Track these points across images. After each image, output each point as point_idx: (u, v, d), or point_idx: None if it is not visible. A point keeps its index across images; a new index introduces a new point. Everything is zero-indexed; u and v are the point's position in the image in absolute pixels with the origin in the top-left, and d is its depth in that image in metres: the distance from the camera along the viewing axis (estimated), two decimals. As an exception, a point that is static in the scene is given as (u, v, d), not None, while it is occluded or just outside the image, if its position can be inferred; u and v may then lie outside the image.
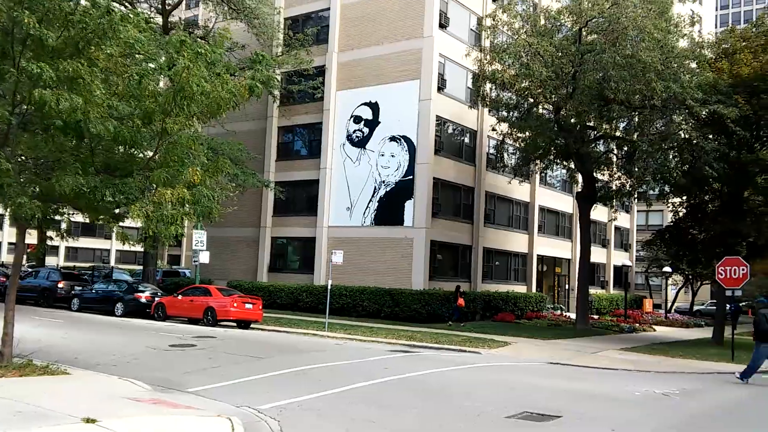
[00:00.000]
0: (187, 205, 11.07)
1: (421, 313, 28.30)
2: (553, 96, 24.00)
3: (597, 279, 47.05)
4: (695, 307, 50.02)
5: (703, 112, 22.20)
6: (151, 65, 12.15)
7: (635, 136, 25.06)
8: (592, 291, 44.72)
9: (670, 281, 54.44)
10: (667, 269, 41.46)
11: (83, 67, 10.22)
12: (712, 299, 55.57)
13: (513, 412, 10.70)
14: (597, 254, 41.90)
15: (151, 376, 12.66)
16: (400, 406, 10.98)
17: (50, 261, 67.09)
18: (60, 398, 9.76)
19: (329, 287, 25.27)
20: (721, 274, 20.81)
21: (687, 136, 22.65)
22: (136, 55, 12.10)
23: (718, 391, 14.88)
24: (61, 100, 9.84)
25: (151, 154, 11.86)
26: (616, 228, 49.30)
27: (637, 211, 53.86)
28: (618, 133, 27.62)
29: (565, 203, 43.13)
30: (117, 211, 12.29)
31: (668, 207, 27.99)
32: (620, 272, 50.88)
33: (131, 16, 11.43)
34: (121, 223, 13.33)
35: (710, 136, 23.34)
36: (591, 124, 26.97)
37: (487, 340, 22.41)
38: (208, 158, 13.17)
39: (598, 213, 38.75)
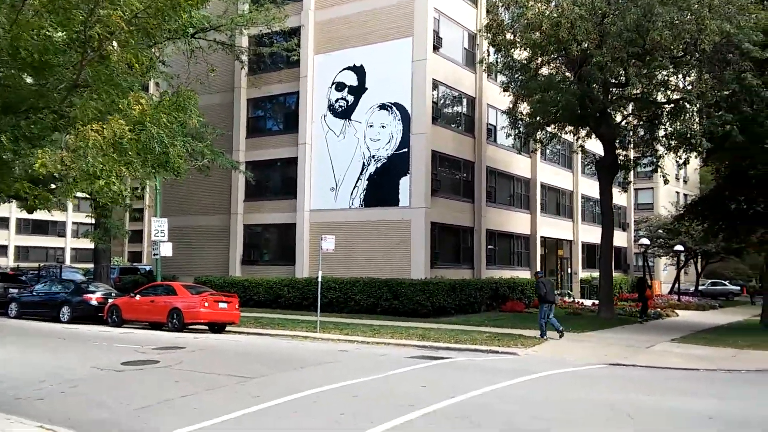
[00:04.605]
0: (129, 151, 6.77)
1: (425, 306, 24.28)
2: (584, 42, 20.00)
3: (596, 261, 43.60)
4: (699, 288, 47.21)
5: (765, 57, 18.55)
6: None
7: (674, 93, 21.35)
8: (589, 274, 41.62)
9: (667, 261, 51.62)
10: (679, 247, 38.20)
11: None
12: (712, 279, 52.98)
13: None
14: (595, 233, 38.37)
15: (89, 417, 8.80)
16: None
17: (-2, 262, 61.34)
18: None
19: (320, 279, 21.05)
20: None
21: (744, 85, 18.93)
22: None
23: None
24: None
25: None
26: (614, 206, 45.94)
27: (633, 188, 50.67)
28: (640, 90, 23.56)
29: (565, 179, 39.58)
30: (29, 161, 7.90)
31: (711, 174, 24.43)
32: (619, 253, 47.78)
33: None
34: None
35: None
36: (615, 81, 23.16)
37: (516, 336, 18.67)
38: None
39: (593, 188, 35.25)
